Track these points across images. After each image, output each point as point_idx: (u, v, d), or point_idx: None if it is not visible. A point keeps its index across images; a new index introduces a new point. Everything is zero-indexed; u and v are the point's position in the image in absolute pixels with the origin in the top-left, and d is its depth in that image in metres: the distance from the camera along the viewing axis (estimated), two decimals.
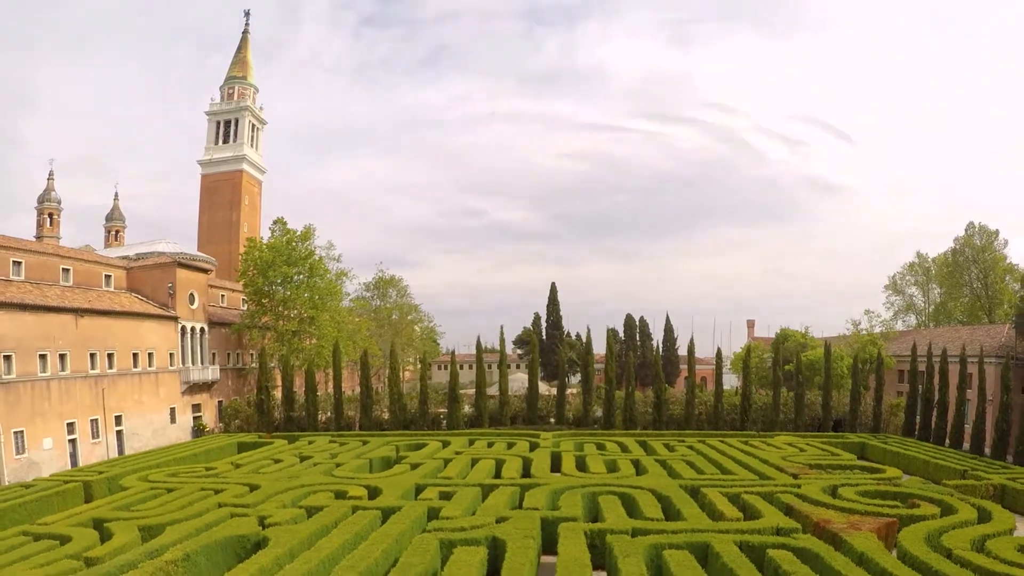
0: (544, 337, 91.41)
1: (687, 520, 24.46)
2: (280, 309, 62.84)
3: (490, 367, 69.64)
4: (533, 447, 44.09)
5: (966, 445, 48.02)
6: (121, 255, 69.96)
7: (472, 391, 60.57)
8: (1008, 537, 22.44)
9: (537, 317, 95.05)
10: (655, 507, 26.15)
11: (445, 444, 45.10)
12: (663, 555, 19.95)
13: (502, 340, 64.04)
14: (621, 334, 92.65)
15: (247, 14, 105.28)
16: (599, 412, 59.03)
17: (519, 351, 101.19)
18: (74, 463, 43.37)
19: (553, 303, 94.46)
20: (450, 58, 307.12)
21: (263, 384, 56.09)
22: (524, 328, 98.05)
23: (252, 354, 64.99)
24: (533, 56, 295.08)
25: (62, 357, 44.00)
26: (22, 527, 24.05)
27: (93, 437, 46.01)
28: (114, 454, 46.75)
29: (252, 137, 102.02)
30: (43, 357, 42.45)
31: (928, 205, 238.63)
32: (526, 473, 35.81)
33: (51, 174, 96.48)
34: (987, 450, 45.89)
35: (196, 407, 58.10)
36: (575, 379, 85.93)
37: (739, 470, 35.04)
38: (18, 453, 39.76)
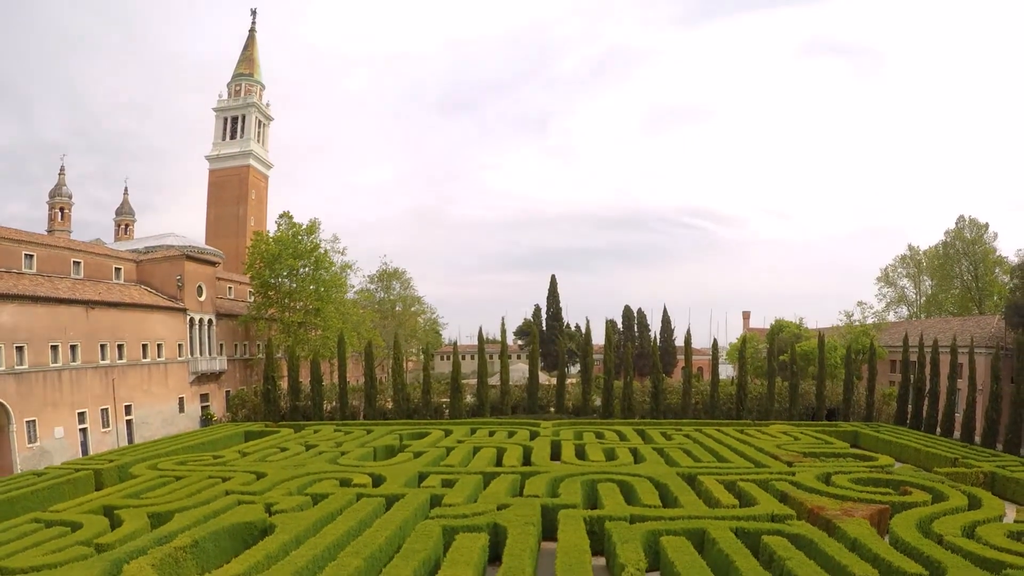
0: (544, 328, 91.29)
1: (684, 507, 24.42)
2: (286, 301, 62.73)
3: (491, 357, 69.78)
4: (533, 436, 44.06)
5: (957, 433, 47.96)
6: (131, 248, 69.85)
7: (474, 381, 60.47)
8: (997, 523, 22.41)
9: (537, 309, 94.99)
10: (653, 494, 26.09)
11: (447, 433, 45.07)
12: (660, 541, 19.93)
13: (503, 331, 64.08)
14: (619, 325, 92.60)
15: (254, 13, 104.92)
16: (598, 401, 58.98)
17: (520, 342, 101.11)
18: (85, 451, 43.42)
19: (553, 295, 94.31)
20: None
21: (269, 374, 56.01)
22: (525, 319, 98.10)
23: (259, 345, 64.96)
24: None
25: (73, 348, 43.95)
26: (34, 514, 24.01)
27: (103, 426, 46.01)
28: (124, 443, 46.77)
29: (259, 133, 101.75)
30: (55, 348, 42.39)
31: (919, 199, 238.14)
32: (527, 461, 35.76)
33: (62, 169, 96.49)
34: (977, 438, 45.83)
35: (204, 397, 58.14)
36: (574, 369, 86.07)
37: (735, 458, 34.94)
38: (30, 441, 39.77)
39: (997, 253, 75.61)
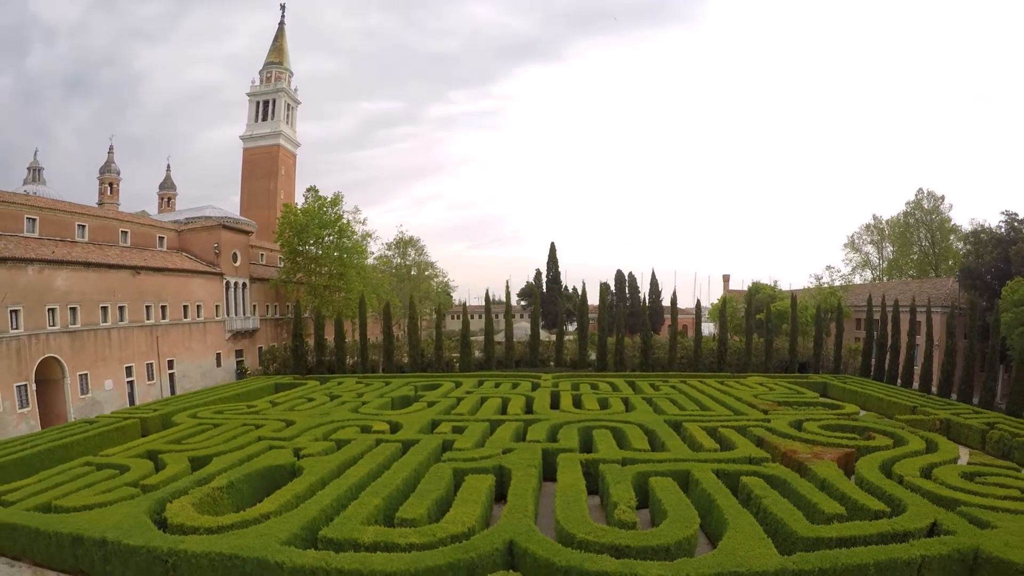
0: (545, 290, 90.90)
1: (670, 451, 24.25)
2: (312, 266, 62.30)
3: (497, 317, 69.27)
4: (535, 387, 43.89)
5: (916, 384, 47.83)
6: (173, 219, 69.36)
7: (482, 338, 60.34)
8: (952, 465, 22.18)
9: (538, 273, 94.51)
10: (642, 439, 25.91)
11: (457, 384, 44.95)
12: (649, 481, 19.75)
13: (508, 293, 63.67)
14: (612, 287, 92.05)
15: (283, 7, 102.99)
16: (593, 356, 58.87)
17: (523, 303, 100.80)
18: (132, 402, 43.50)
19: (553, 260, 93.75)
20: None
21: (298, 332, 55.99)
22: (527, 282, 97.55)
23: (288, 306, 64.76)
24: None
25: (121, 309, 43.73)
26: (86, 458, 23.91)
27: (148, 379, 46.05)
28: (167, 394, 46.89)
29: (287, 115, 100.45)
30: (104, 309, 42.17)
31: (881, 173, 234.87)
32: (529, 410, 35.56)
33: (111, 148, 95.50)
34: (934, 389, 45.70)
35: (239, 352, 58.10)
36: (572, 327, 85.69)
37: (716, 407, 34.71)
38: (83, 393, 39.84)
39: (952, 222, 75.43)
